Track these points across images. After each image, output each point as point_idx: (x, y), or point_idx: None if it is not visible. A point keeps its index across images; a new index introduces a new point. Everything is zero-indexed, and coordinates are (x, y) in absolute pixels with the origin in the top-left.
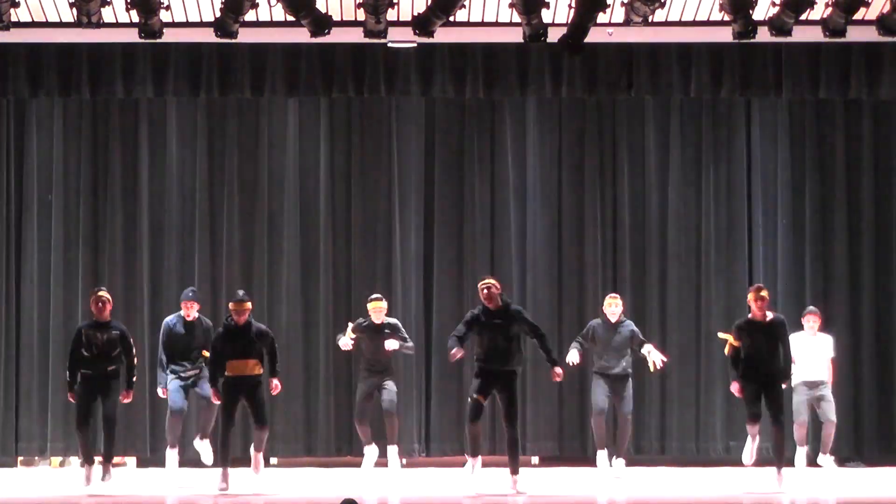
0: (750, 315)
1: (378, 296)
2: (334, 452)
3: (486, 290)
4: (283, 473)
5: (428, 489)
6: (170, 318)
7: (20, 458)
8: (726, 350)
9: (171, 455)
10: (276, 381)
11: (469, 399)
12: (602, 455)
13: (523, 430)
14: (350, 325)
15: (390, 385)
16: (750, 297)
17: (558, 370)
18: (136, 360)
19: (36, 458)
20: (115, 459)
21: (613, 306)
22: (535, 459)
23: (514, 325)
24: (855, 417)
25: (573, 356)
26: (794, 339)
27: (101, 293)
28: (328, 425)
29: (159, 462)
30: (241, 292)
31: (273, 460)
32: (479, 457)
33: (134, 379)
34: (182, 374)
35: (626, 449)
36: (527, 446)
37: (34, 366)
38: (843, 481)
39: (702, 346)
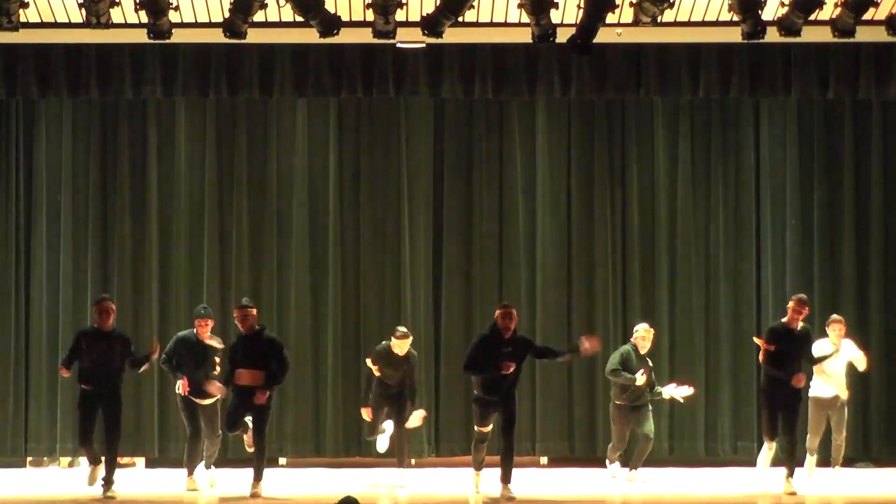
0: (785, 320)
1: (405, 331)
2: (343, 453)
3: (507, 318)
4: (293, 474)
5: (437, 488)
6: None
7: (29, 459)
8: (760, 357)
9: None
10: (267, 392)
11: (475, 429)
12: (614, 466)
13: (532, 430)
14: (369, 361)
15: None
16: (791, 304)
17: (585, 345)
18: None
19: (45, 458)
20: (125, 460)
21: (647, 340)
22: (544, 459)
23: (521, 356)
24: (863, 418)
25: (641, 379)
26: (816, 348)
27: (106, 302)
28: (337, 425)
29: (168, 462)
30: (244, 299)
31: (282, 460)
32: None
33: (154, 356)
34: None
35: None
36: (536, 446)
37: (43, 366)
38: (851, 482)
39: (710, 347)
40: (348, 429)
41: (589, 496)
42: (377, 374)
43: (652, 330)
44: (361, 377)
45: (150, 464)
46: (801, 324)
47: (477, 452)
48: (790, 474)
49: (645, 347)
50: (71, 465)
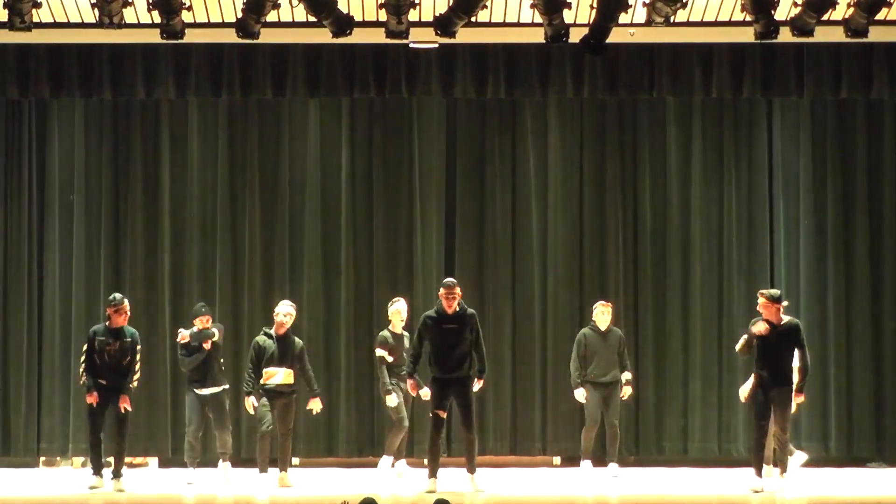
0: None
1: (396, 299)
2: (355, 453)
3: (450, 297)
4: (305, 473)
5: (448, 488)
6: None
7: (42, 459)
8: (738, 346)
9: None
10: (318, 399)
11: (430, 414)
12: (587, 464)
13: (543, 431)
14: (379, 351)
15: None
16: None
17: (481, 383)
18: (138, 365)
19: (58, 458)
20: (138, 460)
21: (605, 314)
22: (556, 459)
23: (466, 329)
24: (875, 417)
25: (580, 396)
26: None
27: (125, 304)
28: (349, 425)
29: (181, 462)
30: (287, 302)
31: (295, 460)
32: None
33: (133, 385)
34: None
35: (618, 451)
36: (547, 446)
37: (56, 366)
38: (863, 481)
39: (724, 346)
40: (361, 429)
41: (596, 497)
42: (389, 359)
43: (607, 303)
44: (374, 377)
45: (164, 464)
46: (786, 318)
47: (433, 453)
48: (783, 471)
49: (604, 323)
50: (84, 465)
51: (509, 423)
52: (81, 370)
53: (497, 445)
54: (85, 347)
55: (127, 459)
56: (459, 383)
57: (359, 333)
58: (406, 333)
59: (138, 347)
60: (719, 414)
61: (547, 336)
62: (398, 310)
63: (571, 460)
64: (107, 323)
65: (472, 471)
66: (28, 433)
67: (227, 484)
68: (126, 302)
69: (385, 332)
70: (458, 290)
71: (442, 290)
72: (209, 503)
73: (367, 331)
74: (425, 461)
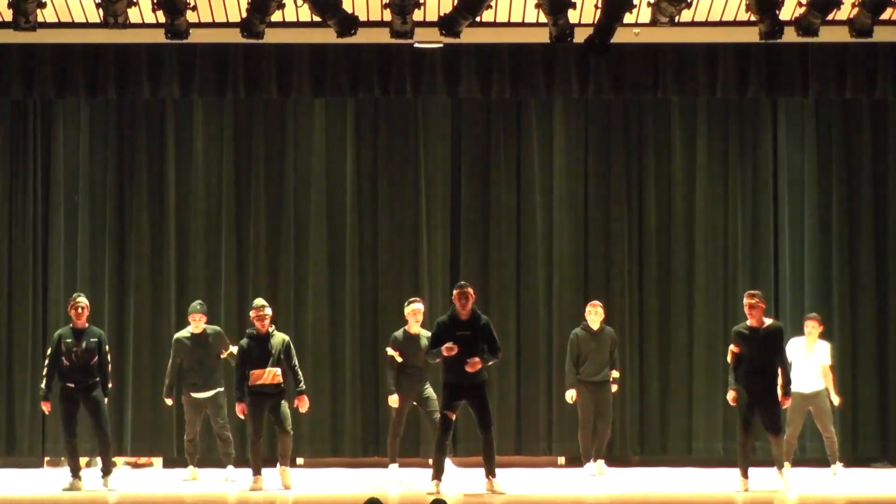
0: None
1: (414, 298)
2: (360, 452)
3: (463, 298)
4: (310, 473)
5: (455, 488)
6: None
7: (46, 459)
8: (728, 358)
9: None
10: (304, 398)
11: (440, 414)
12: (590, 465)
13: (549, 431)
14: (390, 350)
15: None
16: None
17: (477, 360)
18: (109, 367)
19: (62, 458)
20: (142, 460)
21: (594, 314)
22: (561, 459)
23: (480, 338)
24: (880, 418)
25: (570, 397)
26: (790, 345)
27: (79, 300)
28: (354, 425)
29: (186, 462)
30: (259, 300)
31: (300, 460)
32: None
33: (109, 385)
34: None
35: (604, 450)
36: (553, 446)
37: None
38: (869, 481)
39: (728, 347)
40: (366, 429)
41: (600, 496)
42: (399, 359)
43: (598, 303)
44: (379, 377)
45: (168, 464)
46: (768, 321)
47: (438, 454)
48: (780, 470)
49: (595, 322)
50: (88, 464)
51: (514, 422)
52: (44, 373)
53: (502, 445)
54: (49, 351)
55: (131, 459)
56: (473, 389)
57: (364, 333)
58: (423, 332)
59: (106, 347)
60: (723, 414)
61: (552, 336)
62: (413, 310)
63: (576, 460)
64: (70, 324)
65: (491, 473)
66: (32, 433)
67: (231, 484)
68: (80, 299)
69: (398, 332)
70: (470, 290)
71: (455, 292)
72: (213, 503)
73: (373, 330)
74: (430, 461)
